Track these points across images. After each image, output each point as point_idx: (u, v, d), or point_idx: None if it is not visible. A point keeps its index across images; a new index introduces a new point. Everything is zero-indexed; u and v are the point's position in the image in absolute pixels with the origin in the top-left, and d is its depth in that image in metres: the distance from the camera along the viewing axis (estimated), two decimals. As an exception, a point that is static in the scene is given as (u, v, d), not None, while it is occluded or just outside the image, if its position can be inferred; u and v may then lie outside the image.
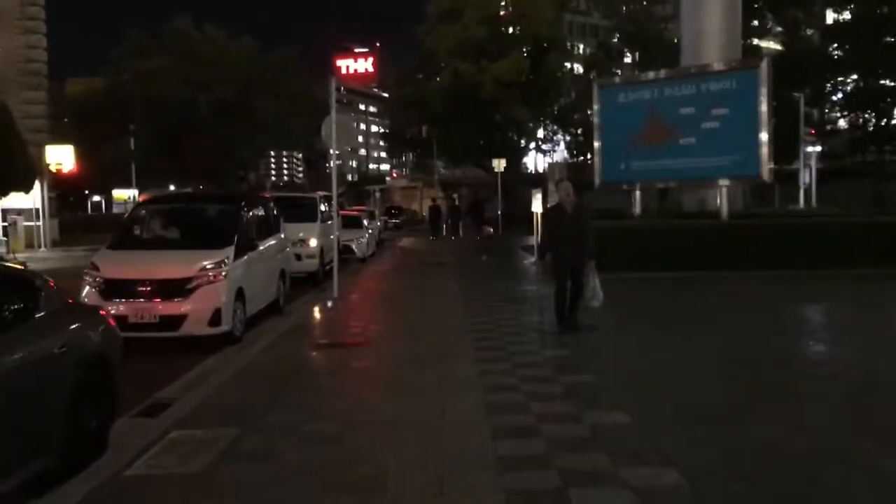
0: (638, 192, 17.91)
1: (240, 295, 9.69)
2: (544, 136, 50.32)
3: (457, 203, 41.35)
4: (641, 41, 43.90)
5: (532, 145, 51.17)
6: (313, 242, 15.81)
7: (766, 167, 15.93)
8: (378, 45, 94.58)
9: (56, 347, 4.72)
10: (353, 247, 22.00)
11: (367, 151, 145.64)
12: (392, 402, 6.26)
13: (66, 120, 50.08)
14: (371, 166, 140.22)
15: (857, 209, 21.11)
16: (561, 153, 55.02)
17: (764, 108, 15.72)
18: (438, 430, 5.37)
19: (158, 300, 8.83)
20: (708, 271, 14.56)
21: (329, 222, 16.97)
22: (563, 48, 47.13)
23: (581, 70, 53.18)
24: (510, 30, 43.55)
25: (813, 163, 31.63)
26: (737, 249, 15.16)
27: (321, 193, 17.80)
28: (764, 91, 15.70)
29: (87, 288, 9.02)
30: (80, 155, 38.15)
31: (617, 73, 41.81)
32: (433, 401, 6.13)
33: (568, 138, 52.15)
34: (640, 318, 10.44)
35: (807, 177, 31.50)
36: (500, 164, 35.43)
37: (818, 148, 25.32)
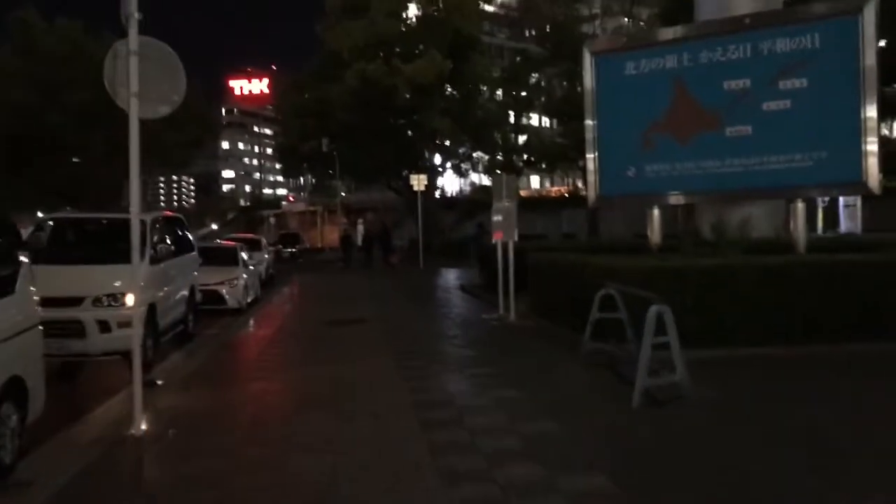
0: (656, 212, 11.76)
1: None
2: (462, 155, 43.79)
3: (369, 229, 35.28)
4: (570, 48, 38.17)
5: (449, 164, 44.76)
6: (130, 300, 8.74)
7: (875, 171, 10.09)
8: (274, 67, 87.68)
9: None
10: (224, 293, 15.10)
11: (262, 175, 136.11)
12: None
13: None
14: (266, 191, 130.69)
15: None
16: (476, 176, 49.05)
17: (872, 76, 9.94)
18: None
19: None
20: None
21: (168, 262, 10.04)
22: (485, 50, 41.21)
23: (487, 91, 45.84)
24: (426, 25, 37.13)
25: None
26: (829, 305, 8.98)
27: (155, 214, 10.62)
28: (871, 50, 9.93)
29: None
30: None
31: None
32: None
33: (486, 157, 45.79)
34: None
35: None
36: (419, 182, 29.04)
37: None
